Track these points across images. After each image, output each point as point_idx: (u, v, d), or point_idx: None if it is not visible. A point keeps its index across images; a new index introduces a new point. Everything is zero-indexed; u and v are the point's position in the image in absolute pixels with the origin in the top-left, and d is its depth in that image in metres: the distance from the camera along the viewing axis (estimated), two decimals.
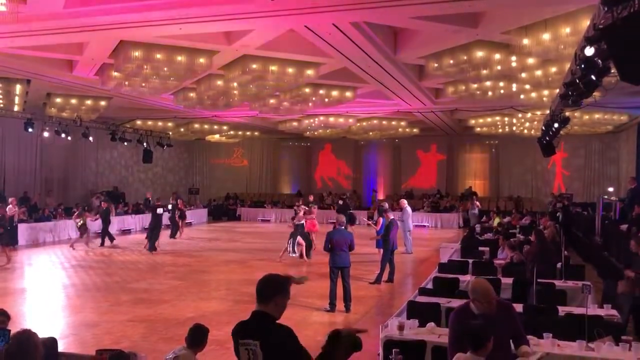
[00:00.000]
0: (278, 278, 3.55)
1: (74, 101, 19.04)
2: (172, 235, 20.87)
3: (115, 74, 14.64)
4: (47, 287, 11.87)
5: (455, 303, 7.14)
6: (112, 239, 19.20)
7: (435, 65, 13.45)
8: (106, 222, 19.13)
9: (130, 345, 7.22)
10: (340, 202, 24.60)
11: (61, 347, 5.72)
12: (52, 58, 14.52)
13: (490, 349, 4.02)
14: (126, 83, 15.42)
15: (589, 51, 7.08)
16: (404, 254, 16.60)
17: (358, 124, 24.30)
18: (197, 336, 4.79)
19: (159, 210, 18.29)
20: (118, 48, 13.13)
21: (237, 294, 11.12)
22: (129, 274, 13.51)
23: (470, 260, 10.93)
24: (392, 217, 13.34)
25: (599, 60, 7.20)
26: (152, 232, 17.82)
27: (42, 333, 4.41)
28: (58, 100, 18.86)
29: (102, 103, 19.45)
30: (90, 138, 21.60)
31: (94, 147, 26.18)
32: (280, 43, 12.77)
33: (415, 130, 26.64)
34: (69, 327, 8.74)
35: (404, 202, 18.31)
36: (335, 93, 17.60)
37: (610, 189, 25.33)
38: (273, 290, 3.44)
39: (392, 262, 12.74)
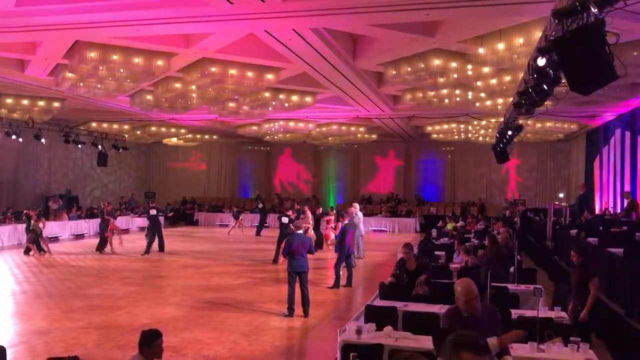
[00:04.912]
0: None
1: (25, 102, 18.46)
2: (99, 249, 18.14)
3: (70, 74, 14.30)
4: None
5: (412, 307, 7.28)
6: (40, 248, 17.28)
7: (394, 72, 13.64)
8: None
9: (84, 353, 7.05)
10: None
11: (10, 356, 5.55)
12: (2, 57, 14.06)
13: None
14: (81, 84, 15.05)
15: (541, 61, 7.31)
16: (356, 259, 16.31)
17: (318, 129, 24.39)
18: (147, 339, 4.72)
19: (152, 212, 18.07)
20: (73, 48, 12.83)
21: (194, 300, 10.98)
22: (83, 279, 13.15)
23: None
24: (347, 221, 13.43)
25: (551, 71, 7.45)
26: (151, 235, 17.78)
27: None
28: (9, 100, 18.24)
29: (56, 104, 18.91)
30: (43, 140, 20.97)
31: (47, 149, 25.42)
32: (239, 47, 12.72)
33: (374, 136, 26.96)
34: (19, 335, 8.43)
35: (356, 206, 18.00)
36: (295, 98, 17.61)
37: (561, 195, 26.17)
38: None
39: (349, 267, 12.82)
